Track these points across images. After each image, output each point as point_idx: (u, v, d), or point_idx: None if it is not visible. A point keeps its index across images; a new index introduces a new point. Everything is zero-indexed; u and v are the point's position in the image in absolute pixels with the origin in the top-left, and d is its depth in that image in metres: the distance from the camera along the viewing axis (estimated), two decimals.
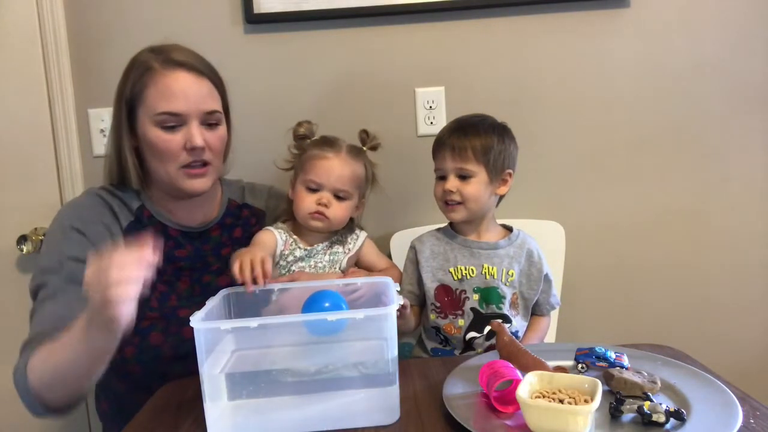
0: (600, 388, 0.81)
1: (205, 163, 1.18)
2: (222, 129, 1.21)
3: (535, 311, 1.36)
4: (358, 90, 1.60)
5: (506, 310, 1.28)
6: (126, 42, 1.58)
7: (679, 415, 0.80)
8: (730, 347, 1.65)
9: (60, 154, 1.58)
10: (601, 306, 1.66)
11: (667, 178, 1.63)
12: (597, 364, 0.96)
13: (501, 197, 1.35)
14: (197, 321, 0.85)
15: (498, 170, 1.28)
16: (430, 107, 1.60)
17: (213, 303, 0.96)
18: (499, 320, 1.26)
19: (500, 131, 1.31)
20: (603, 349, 0.98)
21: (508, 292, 1.28)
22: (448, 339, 1.31)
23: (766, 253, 1.65)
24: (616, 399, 0.84)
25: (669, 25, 1.58)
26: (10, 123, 1.55)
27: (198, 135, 1.14)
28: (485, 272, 1.28)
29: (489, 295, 1.28)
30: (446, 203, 1.30)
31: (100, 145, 1.61)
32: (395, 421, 0.88)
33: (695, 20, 1.58)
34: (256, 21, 1.57)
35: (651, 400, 0.83)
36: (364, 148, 1.30)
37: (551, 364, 0.95)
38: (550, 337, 1.52)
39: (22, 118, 1.56)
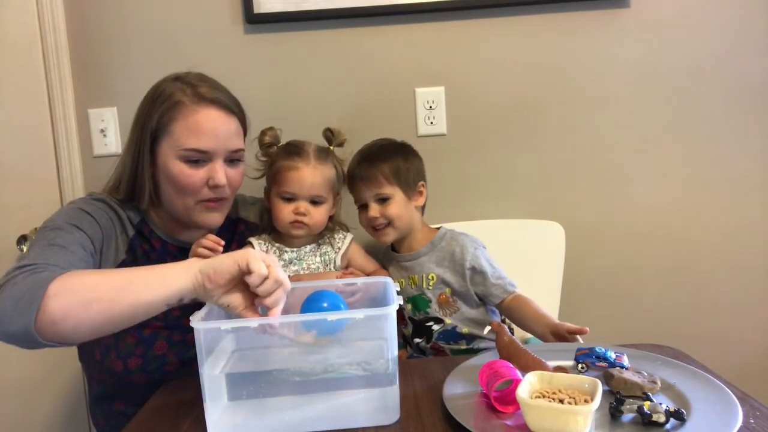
0: (600, 388, 0.81)
1: (222, 198, 1.19)
2: (243, 166, 1.22)
3: (490, 302, 1.33)
4: (358, 90, 1.60)
5: (434, 312, 1.33)
6: (126, 42, 1.59)
7: (679, 415, 0.80)
8: (730, 347, 1.65)
9: (60, 154, 1.58)
10: (601, 306, 1.66)
11: (667, 178, 1.63)
12: (597, 364, 0.96)
13: (423, 207, 1.40)
14: (197, 321, 0.85)
15: (411, 186, 1.34)
16: (430, 107, 1.60)
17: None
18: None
19: (403, 151, 1.37)
20: (603, 349, 0.98)
21: (432, 295, 1.34)
22: (408, 343, 1.40)
23: (765, 253, 1.65)
24: (616, 399, 0.84)
25: (669, 25, 1.59)
26: (10, 123, 1.55)
27: (222, 173, 1.15)
28: (411, 282, 1.36)
29: (416, 302, 1.35)
30: (374, 229, 1.34)
31: (101, 145, 1.61)
32: (395, 421, 0.88)
33: (695, 20, 1.58)
34: (256, 21, 1.57)
35: (651, 400, 0.83)
36: (331, 148, 1.32)
37: (551, 364, 0.95)
38: None
39: (22, 119, 1.56)
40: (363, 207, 1.35)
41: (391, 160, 1.33)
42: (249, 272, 0.86)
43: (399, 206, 1.32)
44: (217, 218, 1.20)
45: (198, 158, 1.14)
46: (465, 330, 1.32)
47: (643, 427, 0.80)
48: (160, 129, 1.14)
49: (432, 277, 1.33)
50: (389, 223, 1.32)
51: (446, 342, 1.33)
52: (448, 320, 1.32)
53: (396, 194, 1.31)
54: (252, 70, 1.59)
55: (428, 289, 1.33)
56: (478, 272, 1.32)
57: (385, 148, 1.37)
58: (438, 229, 1.40)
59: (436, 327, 1.33)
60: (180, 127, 1.13)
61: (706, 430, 0.78)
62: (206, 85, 1.17)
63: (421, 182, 1.37)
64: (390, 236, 1.34)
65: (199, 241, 1.11)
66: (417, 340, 1.36)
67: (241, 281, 0.89)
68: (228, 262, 0.88)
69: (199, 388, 0.87)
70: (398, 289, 0.98)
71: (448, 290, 1.33)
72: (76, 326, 0.87)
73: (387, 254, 1.43)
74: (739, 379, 0.97)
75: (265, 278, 0.87)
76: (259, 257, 0.88)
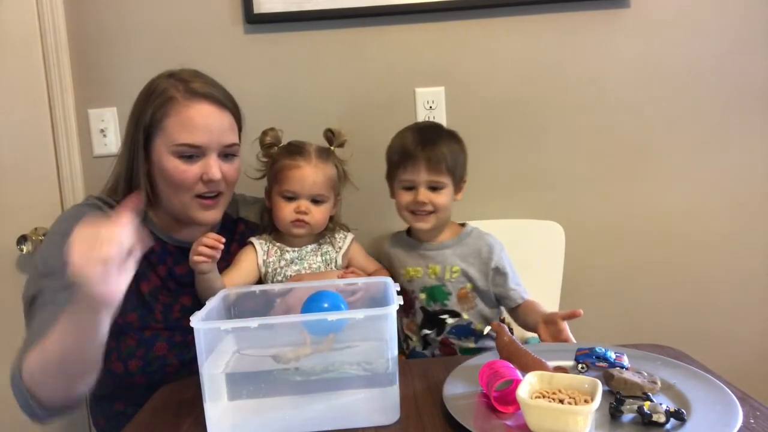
0: (600, 388, 0.81)
1: (218, 194, 1.18)
2: (238, 161, 1.22)
3: (505, 304, 1.35)
4: (358, 90, 1.60)
5: (452, 306, 1.32)
6: (126, 42, 1.59)
7: (679, 415, 0.80)
8: (730, 347, 1.65)
9: (60, 154, 1.58)
10: (601, 306, 1.66)
11: (667, 178, 1.63)
12: (597, 364, 0.96)
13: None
14: (197, 321, 0.85)
15: (459, 179, 1.33)
16: (430, 107, 1.60)
17: (213, 303, 0.96)
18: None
19: (458, 139, 1.34)
20: (603, 349, 0.98)
21: (453, 288, 1.32)
22: (409, 336, 1.38)
23: (766, 253, 1.65)
24: (616, 399, 0.84)
25: (669, 24, 1.58)
26: (10, 123, 1.55)
27: (216, 167, 1.15)
28: (430, 272, 1.33)
29: (434, 293, 1.33)
30: (414, 213, 1.30)
31: (101, 145, 1.61)
32: (395, 421, 0.88)
33: (695, 20, 1.58)
34: (256, 21, 1.57)
35: (651, 400, 0.83)
36: (332, 148, 1.32)
37: (551, 364, 0.95)
38: None
39: (22, 119, 1.56)
40: (407, 189, 1.30)
41: (451, 146, 1.29)
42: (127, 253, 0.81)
43: (447, 197, 1.30)
44: (213, 215, 1.20)
45: (191, 153, 1.14)
46: (479, 327, 1.32)
47: (643, 427, 0.80)
48: (154, 125, 1.14)
49: (456, 270, 1.32)
50: (433, 211, 1.29)
51: (457, 337, 1.32)
52: (465, 315, 1.32)
53: (448, 184, 1.29)
54: (252, 70, 1.59)
55: (450, 281, 1.32)
56: (501, 273, 1.32)
57: (444, 131, 1.34)
58: (463, 225, 1.39)
59: (450, 320, 1.32)
60: (173, 122, 1.13)
61: (706, 430, 0.78)
62: (199, 80, 1.17)
63: (465, 179, 1.36)
64: (429, 223, 1.31)
65: (200, 239, 1.11)
66: (426, 331, 1.34)
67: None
68: (104, 270, 0.79)
69: (199, 388, 0.87)
70: (397, 288, 0.98)
71: (469, 285, 1.33)
72: (67, 397, 0.98)
73: (402, 240, 1.40)
74: (739, 379, 0.97)
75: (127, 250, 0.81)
76: (95, 238, 0.79)
